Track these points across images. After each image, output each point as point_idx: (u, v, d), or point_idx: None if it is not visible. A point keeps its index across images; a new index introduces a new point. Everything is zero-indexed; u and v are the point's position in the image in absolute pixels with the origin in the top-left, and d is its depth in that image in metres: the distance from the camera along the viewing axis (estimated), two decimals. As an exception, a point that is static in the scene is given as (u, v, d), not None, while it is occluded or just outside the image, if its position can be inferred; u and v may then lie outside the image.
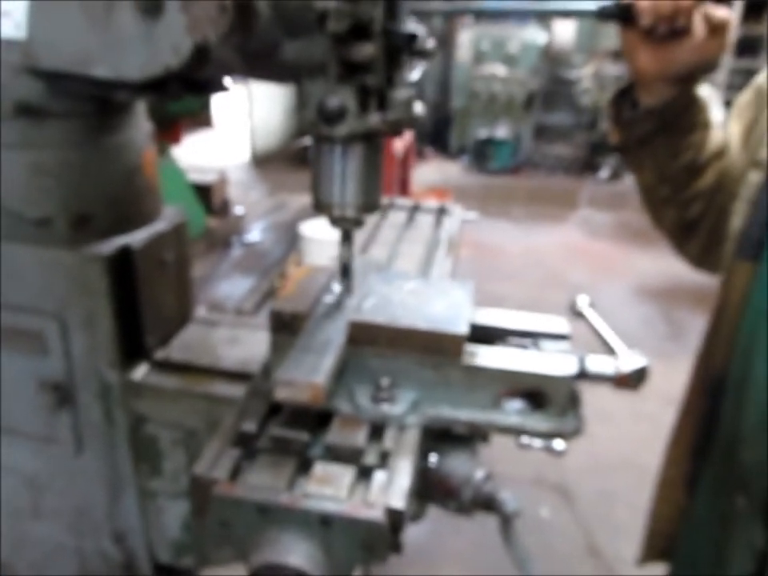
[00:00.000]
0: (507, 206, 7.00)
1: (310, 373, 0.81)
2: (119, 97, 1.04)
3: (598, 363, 0.96)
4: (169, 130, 4.53)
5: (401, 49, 0.80)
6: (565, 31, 8.83)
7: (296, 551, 0.77)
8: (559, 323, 1.03)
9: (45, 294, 1.30)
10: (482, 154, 8.37)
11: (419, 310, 0.95)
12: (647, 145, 1.11)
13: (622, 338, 1.02)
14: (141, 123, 1.36)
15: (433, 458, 1.13)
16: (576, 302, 1.19)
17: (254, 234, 5.84)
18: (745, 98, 1.17)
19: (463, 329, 0.91)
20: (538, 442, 1.43)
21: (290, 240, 4.65)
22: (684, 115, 1.09)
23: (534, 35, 8.73)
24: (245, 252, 5.46)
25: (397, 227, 1.77)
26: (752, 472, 1.00)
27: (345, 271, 0.99)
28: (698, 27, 0.98)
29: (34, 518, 1.57)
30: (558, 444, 1.43)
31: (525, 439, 1.45)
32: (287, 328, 0.95)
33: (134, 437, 1.39)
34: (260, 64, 0.84)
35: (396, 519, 0.78)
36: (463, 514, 1.21)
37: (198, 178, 5.72)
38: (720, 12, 0.98)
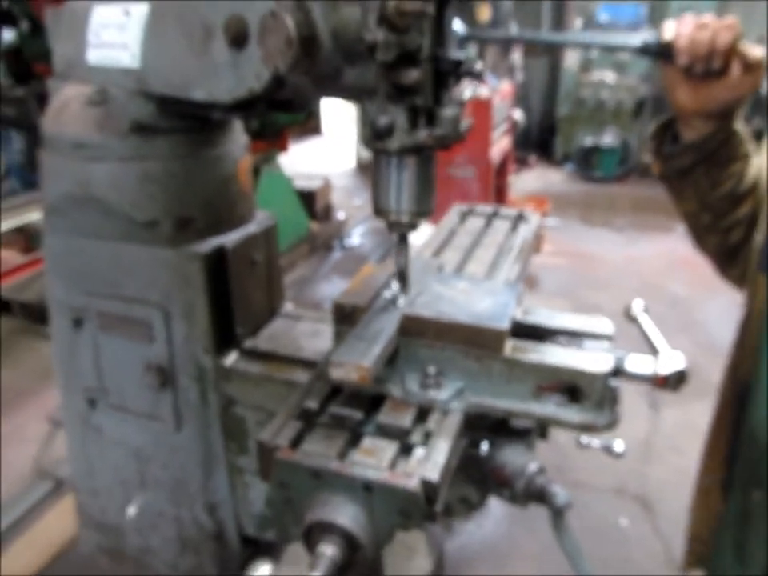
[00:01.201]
0: (610, 215, 6.83)
1: (360, 357, 0.92)
2: (214, 116, 1.20)
3: (637, 363, 1.01)
4: (276, 138, 4.82)
5: (448, 72, 0.90)
6: (678, 35, 8.48)
7: (343, 513, 0.88)
8: (604, 324, 1.08)
9: (151, 287, 1.49)
10: (586, 162, 8.20)
11: (466, 306, 1.04)
12: (688, 176, 1.15)
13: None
14: (237, 137, 1.53)
15: (484, 447, 1.21)
16: (631, 306, 1.24)
17: (354, 238, 6.06)
18: None
19: (504, 325, 0.99)
20: (596, 443, 1.48)
21: (387, 244, 4.81)
22: (723, 148, 1.12)
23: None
24: (344, 255, 5.68)
25: (473, 233, 1.84)
26: (766, 467, 1.02)
27: (401, 272, 1.09)
28: (734, 66, 1.02)
29: (141, 487, 1.78)
30: (618, 445, 1.47)
31: (584, 440, 1.50)
32: (347, 319, 1.07)
33: (224, 417, 1.55)
34: (327, 87, 0.96)
35: (430, 490, 0.86)
36: (517, 504, 1.28)
37: (303, 185, 6.02)
38: (755, 51, 1.02)
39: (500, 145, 4.48)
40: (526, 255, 1.74)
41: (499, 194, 4.77)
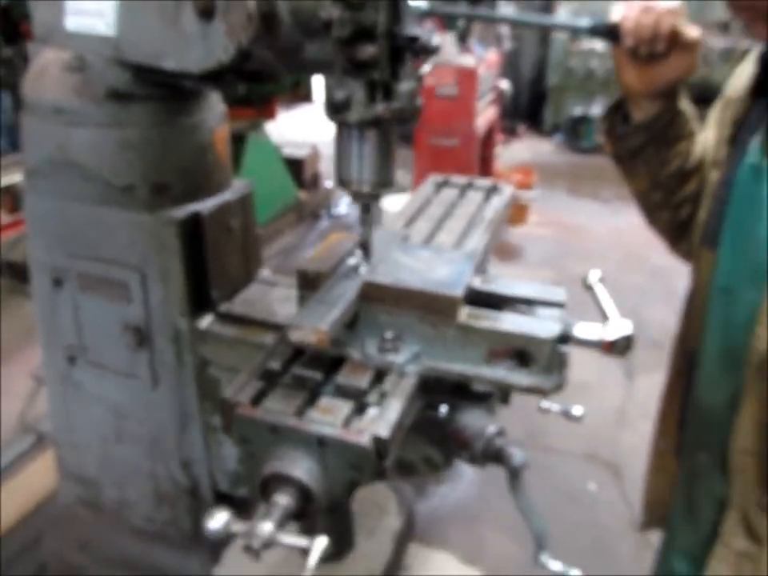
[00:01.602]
0: (597, 186, 6.86)
1: (318, 320, 0.97)
2: (185, 85, 1.22)
3: (585, 330, 1.07)
4: (264, 106, 4.80)
5: (404, 48, 0.93)
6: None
7: (298, 466, 0.94)
8: (556, 293, 1.14)
9: (129, 250, 1.53)
10: (575, 132, 8.18)
11: (424, 275, 1.09)
12: (639, 155, 1.20)
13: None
14: (214, 106, 1.56)
15: (443, 409, 1.27)
16: (588, 276, 1.29)
17: (342, 207, 6.08)
18: (716, 108, 1.23)
19: (458, 292, 1.04)
20: (556, 407, 1.55)
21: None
22: (670, 127, 1.18)
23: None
24: (331, 224, 5.70)
25: (446, 203, 1.88)
26: (711, 430, 1.09)
27: (364, 239, 1.14)
28: (675, 48, 1.07)
29: (118, 442, 1.84)
30: (577, 410, 1.54)
31: (545, 404, 1.57)
32: (310, 284, 1.12)
33: (199, 377, 1.60)
34: (290, 61, 0.99)
35: (381, 446, 0.92)
36: (476, 465, 1.35)
37: (291, 153, 6.01)
38: (691, 32, 1.06)
39: (486, 115, 4.49)
40: (496, 226, 1.79)
41: (485, 165, 4.80)
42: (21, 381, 2.52)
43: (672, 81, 1.12)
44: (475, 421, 1.29)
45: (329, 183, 6.31)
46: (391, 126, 1.03)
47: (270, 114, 5.15)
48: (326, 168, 7.29)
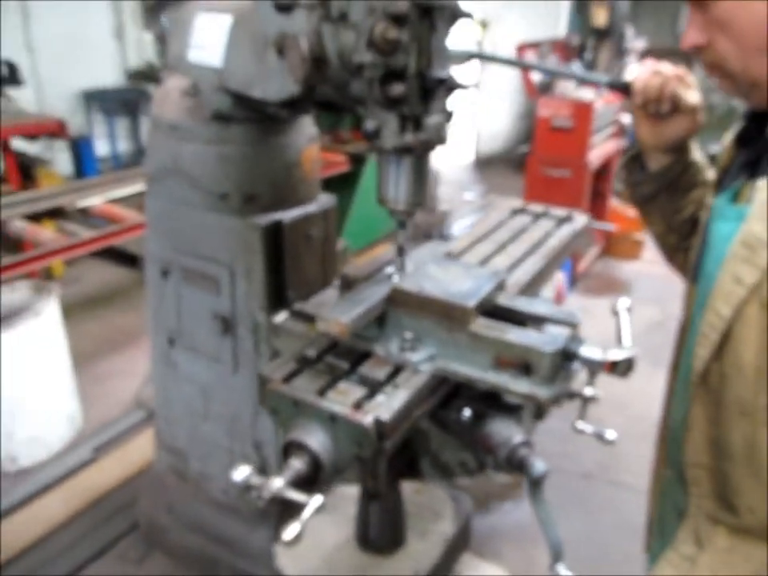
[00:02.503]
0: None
1: (341, 315, 1.13)
2: (269, 111, 1.44)
3: (590, 349, 1.15)
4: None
5: (432, 88, 1.08)
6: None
7: (314, 437, 1.10)
8: (571, 314, 1.23)
9: (221, 249, 1.78)
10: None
11: (447, 286, 1.22)
12: (653, 201, 1.28)
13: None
14: (304, 128, 1.78)
15: (466, 413, 1.38)
16: (617, 303, 1.37)
17: (454, 229, 6.21)
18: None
19: (471, 303, 1.16)
20: (589, 428, 1.61)
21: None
22: (682, 177, 1.24)
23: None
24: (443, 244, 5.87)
25: (514, 229, 1.99)
26: (674, 446, 1.14)
27: (400, 252, 1.29)
28: (680, 109, 1.15)
29: (204, 419, 2.09)
30: (610, 434, 1.59)
31: (579, 425, 1.63)
32: (348, 286, 1.28)
33: (273, 363, 1.81)
34: (342, 95, 1.17)
35: (382, 428, 1.06)
36: (499, 471, 1.44)
37: (411, 175, 6.24)
38: (692, 97, 1.13)
39: (602, 148, 4.45)
40: (559, 254, 1.87)
41: (600, 198, 4.75)
42: (143, 362, 2.87)
43: (678, 138, 1.20)
44: (502, 429, 1.39)
45: (445, 206, 6.49)
46: (425, 153, 1.18)
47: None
48: (450, 192, 7.49)
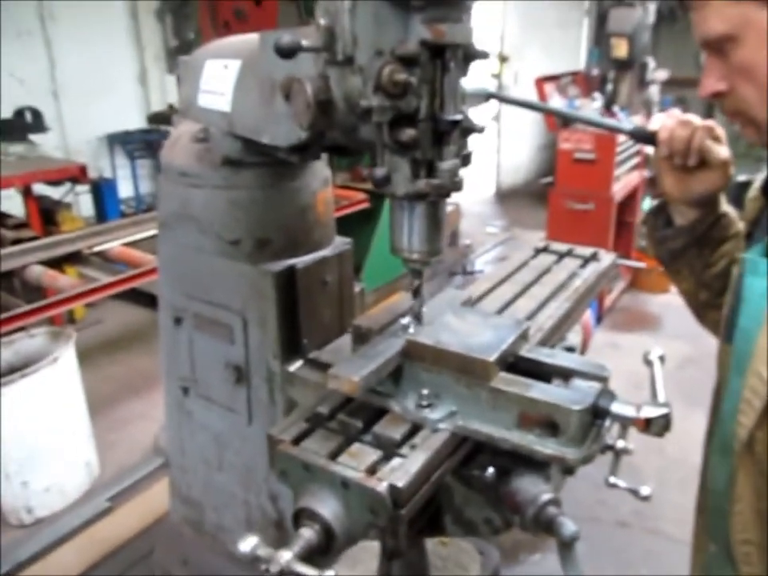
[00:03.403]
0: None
1: (352, 372, 1.06)
2: (279, 156, 1.39)
3: (622, 406, 1.07)
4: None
5: (445, 132, 1.02)
6: None
7: (326, 504, 1.03)
8: (599, 367, 1.14)
9: (234, 297, 1.73)
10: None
11: (466, 338, 1.15)
12: (681, 257, 1.19)
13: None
14: (318, 171, 1.74)
15: (490, 470, 1.30)
16: (650, 352, 1.28)
17: (478, 264, 6.16)
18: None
19: (492, 357, 1.09)
20: (623, 484, 1.51)
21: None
22: (712, 231, 1.16)
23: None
24: (465, 280, 5.79)
25: (538, 269, 1.91)
26: (717, 519, 1.04)
27: (415, 301, 1.22)
28: (709, 163, 1.07)
29: (219, 470, 2.02)
30: (645, 490, 1.49)
31: (611, 479, 1.53)
32: (362, 339, 1.21)
33: (287, 416, 1.74)
34: (351, 139, 1.12)
35: (397, 494, 0.98)
36: (528, 531, 1.35)
37: (432, 210, 6.22)
38: (721, 152, 1.06)
39: (627, 181, 4.37)
40: (585, 295, 1.79)
41: (625, 231, 4.65)
42: (161, 406, 2.83)
43: (705, 193, 1.13)
44: (529, 486, 1.30)
45: (467, 241, 6.44)
46: (439, 198, 1.12)
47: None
48: (471, 226, 7.44)
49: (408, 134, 0.98)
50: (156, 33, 7.04)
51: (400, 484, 0.99)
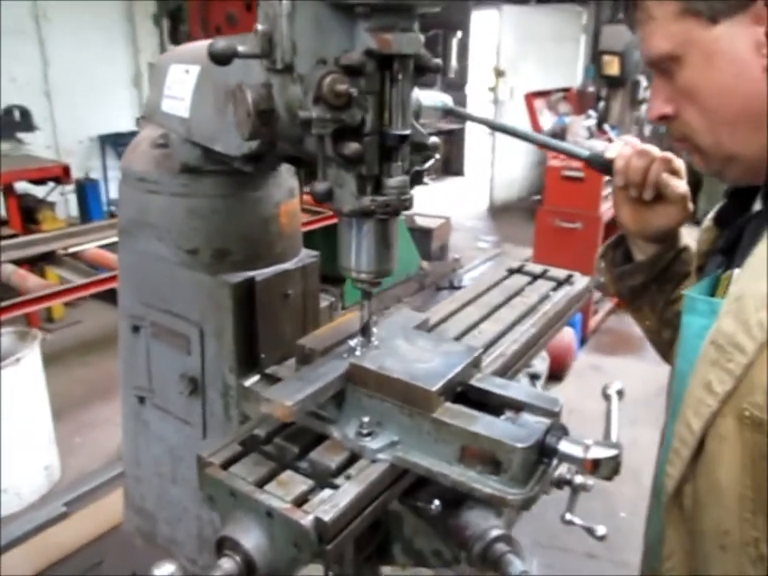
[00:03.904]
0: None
1: (286, 396, 1.01)
2: (234, 165, 1.34)
3: (570, 445, 1.01)
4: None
5: (393, 147, 0.97)
6: None
7: (250, 535, 0.97)
8: (551, 401, 1.09)
9: (192, 307, 1.67)
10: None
11: (412, 364, 1.09)
12: (643, 294, 1.14)
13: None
14: (283, 182, 1.68)
15: (436, 503, 1.24)
16: (609, 385, 1.23)
17: (466, 280, 6.11)
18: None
19: (435, 386, 1.03)
20: (578, 521, 1.45)
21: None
22: (673, 265, 1.11)
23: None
24: (451, 295, 5.75)
25: (509, 291, 1.86)
26: (653, 564, 0.99)
27: (364, 324, 1.17)
28: (665, 197, 1.03)
29: (172, 482, 1.96)
30: (600, 529, 1.43)
31: (568, 516, 1.48)
32: (305, 360, 1.16)
33: (241, 432, 1.68)
34: (298, 151, 1.07)
35: (323, 528, 0.93)
36: (475, 567, 1.29)
37: (421, 223, 6.19)
38: (679, 187, 1.01)
39: (615, 201, 4.34)
40: (556, 319, 1.74)
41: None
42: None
43: (663, 228, 1.08)
44: (479, 520, 1.25)
45: (456, 255, 6.40)
46: (389, 216, 1.07)
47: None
48: (463, 240, 7.41)
49: (352, 147, 0.93)
50: (153, 36, 7.02)
51: (326, 518, 0.93)
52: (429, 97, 1.15)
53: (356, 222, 1.06)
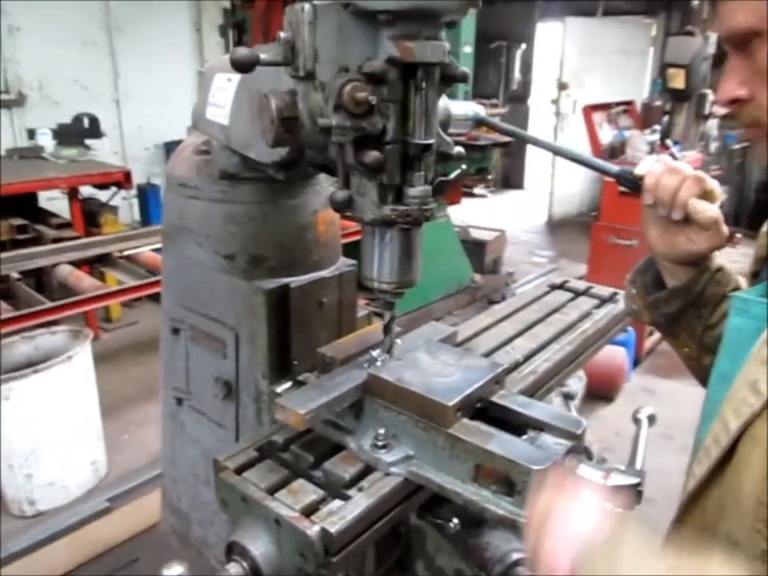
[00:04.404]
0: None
1: (300, 404, 1.00)
2: (268, 172, 1.36)
3: (588, 470, 0.97)
4: (443, 191, 4.96)
5: (415, 156, 0.96)
6: None
7: (259, 542, 0.97)
8: (574, 422, 1.05)
9: (228, 312, 1.69)
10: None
11: (430, 377, 1.07)
12: (679, 321, 1.07)
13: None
14: (321, 189, 1.69)
15: (454, 521, 1.21)
16: (639, 409, 1.18)
17: (518, 293, 6.02)
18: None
19: (451, 401, 1.01)
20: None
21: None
22: (709, 288, 1.04)
23: None
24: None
25: (548, 307, 1.81)
26: None
27: (386, 333, 1.16)
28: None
29: (206, 484, 1.98)
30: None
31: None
32: (325, 368, 1.15)
33: (272, 438, 1.69)
34: (324, 158, 1.07)
35: (329, 540, 0.92)
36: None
37: (476, 236, 6.13)
38: (708, 212, 0.95)
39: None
40: (595, 338, 1.68)
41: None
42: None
43: (693, 253, 1.01)
44: (500, 542, 1.21)
45: (509, 269, 6.31)
46: (414, 226, 1.05)
47: (450, 199, 5.33)
48: (518, 254, 7.30)
49: (372, 156, 0.92)
50: (219, 46, 7.23)
51: (332, 529, 0.92)
52: (460, 106, 1.13)
53: (378, 232, 1.05)
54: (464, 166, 1.06)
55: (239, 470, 1.05)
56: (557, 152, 1.15)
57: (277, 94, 0.96)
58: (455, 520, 1.19)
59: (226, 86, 1.50)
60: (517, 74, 11.60)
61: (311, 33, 0.88)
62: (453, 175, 1.04)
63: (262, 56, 0.89)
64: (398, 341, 1.20)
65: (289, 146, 1.00)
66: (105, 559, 2.37)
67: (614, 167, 1.11)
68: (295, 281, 1.64)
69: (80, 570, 2.30)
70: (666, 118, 4.77)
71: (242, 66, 0.89)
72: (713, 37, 4.45)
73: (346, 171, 0.96)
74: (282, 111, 0.95)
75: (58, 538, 2.42)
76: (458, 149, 1.01)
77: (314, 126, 0.96)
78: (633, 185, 1.05)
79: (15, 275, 2.89)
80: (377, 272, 1.08)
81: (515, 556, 1.18)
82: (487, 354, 1.45)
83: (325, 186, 1.72)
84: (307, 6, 0.88)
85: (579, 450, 1.02)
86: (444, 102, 1.10)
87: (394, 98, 0.92)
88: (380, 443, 1.05)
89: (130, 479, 2.75)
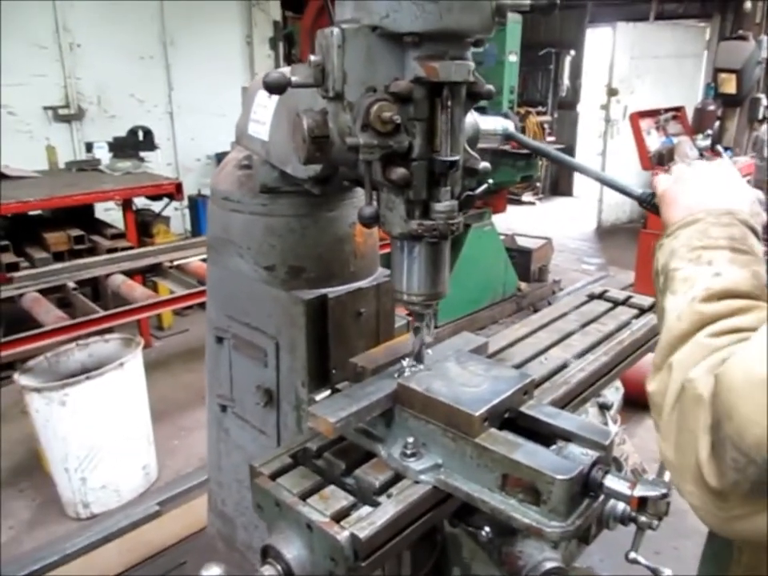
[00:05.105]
0: None
1: (332, 412, 1.04)
2: (305, 186, 1.40)
3: (615, 480, 0.97)
4: (487, 198, 4.97)
5: (441, 173, 0.99)
6: None
7: (292, 546, 1.00)
8: (602, 433, 1.05)
9: (269, 321, 1.74)
10: None
11: (459, 387, 1.09)
12: None
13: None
14: (358, 202, 1.73)
15: (486, 529, 1.22)
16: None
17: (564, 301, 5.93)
18: None
19: (479, 411, 1.02)
20: (643, 560, 1.39)
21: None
22: None
23: None
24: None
25: (585, 316, 1.81)
26: None
27: (416, 345, 1.18)
28: None
29: (250, 489, 2.03)
30: (666, 570, 1.36)
31: (632, 554, 1.41)
32: (356, 378, 1.18)
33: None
34: (358, 174, 1.11)
35: (358, 545, 0.94)
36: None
37: (522, 244, 6.08)
38: None
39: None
40: (627, 349, 1.67)
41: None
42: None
43: None
44: (533, 551, 1.22)
45: (555, 277, 6.24)
46: (444, 240, 1.07)
47: (495, 207, 5.31)
48: (567, 261, 7.21)
49: (398, 172, 0.95)
50: (269, 59, 7.40)
51: (362, 535, 0.95)
52: (489, 122, 1.15)
53: (406, 246, 1.07)
54: (491, 181, 1.08)
55: (274, 476, 1.09)
56: (579, 170, 1.16)
57: (309, 114, 1.00)
58: (487, 528, 1.20)
59: (266, 102, 1.55)
60: (566, 81, 11.48)
61: (340, 56, 0.91)
62: (479, 190, 1.06)
63: (294, 78, 0.93)
64: (429, 351, 1.22)
65: (320, 163, 1.04)
66: (155, 562, 2.45)
67: (636, 190, 1.10)
68: (333, 291, 1.68)
69: (131, 571, 2.39)
70: (716, 124, 4.65)
71: (275, 88, 0.93)
72: (766, 41, 4.33)
73: (374, 187, 1.00)
74: (313, 130, 0.99)
75: (111, 540, 2.51)
76: (485, 164, 1.03)
77: (343, 144, 1.00)
78: (653, 208, 1.04)
79: (71, 284, 3.03)
80: (406, 285, 1.11)
81: (548, 565, 1.19)
82: (520, 364, 1.46)
83: (362, 198, 1.75)
84: (336, 30, 0.92)
85: (607, 460, 1.02)
86: (473, 117, 1.12)
87: (420, 117, 0.95)
88: (409, 452, 1.08)
89: (179, 483, 2.84)
